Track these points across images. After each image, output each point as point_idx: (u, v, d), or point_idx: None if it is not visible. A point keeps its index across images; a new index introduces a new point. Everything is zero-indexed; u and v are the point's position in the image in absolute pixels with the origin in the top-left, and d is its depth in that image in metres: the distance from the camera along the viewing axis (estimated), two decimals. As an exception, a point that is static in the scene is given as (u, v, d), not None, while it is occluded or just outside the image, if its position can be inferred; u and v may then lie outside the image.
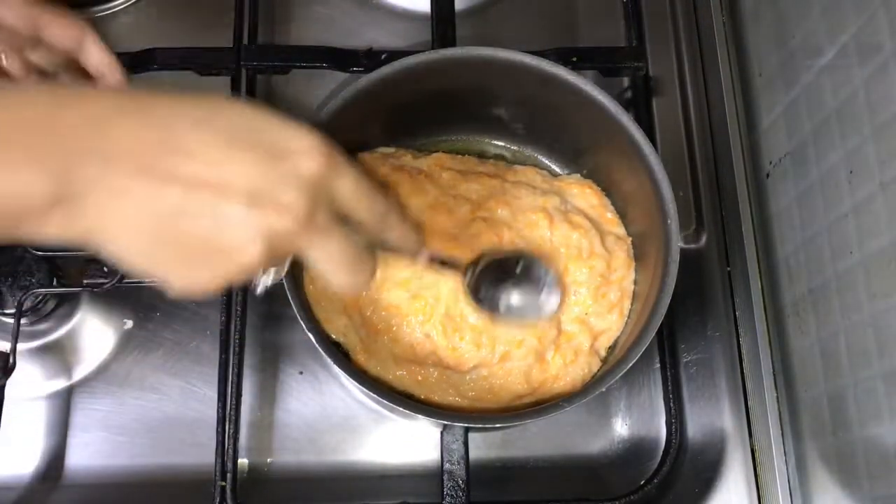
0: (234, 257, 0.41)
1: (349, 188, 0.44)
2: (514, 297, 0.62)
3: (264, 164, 0.41)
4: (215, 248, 0.41)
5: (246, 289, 0.69)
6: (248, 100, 0.42)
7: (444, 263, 0.58)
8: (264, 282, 0.48)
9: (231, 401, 0.66)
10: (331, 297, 0.63)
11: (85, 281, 0.67)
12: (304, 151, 0.42)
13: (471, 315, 0.62)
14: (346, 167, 0.44)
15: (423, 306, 0.62)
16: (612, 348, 0.66)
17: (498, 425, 0.67)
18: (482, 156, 0.72)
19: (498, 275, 0.61)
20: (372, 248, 0.47)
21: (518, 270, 0.62)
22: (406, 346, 0.62)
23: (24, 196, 0.38)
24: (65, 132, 0.39)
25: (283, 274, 0.49)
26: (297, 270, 0.62)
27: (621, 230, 0.68)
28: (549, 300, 0.62)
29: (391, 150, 0.68)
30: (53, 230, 0.40)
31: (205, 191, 0.39)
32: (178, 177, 0.39)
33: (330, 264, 0.44)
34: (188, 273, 0.42)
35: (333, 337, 0.63)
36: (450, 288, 0.62)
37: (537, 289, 0.62)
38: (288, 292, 0.57)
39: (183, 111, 0.41)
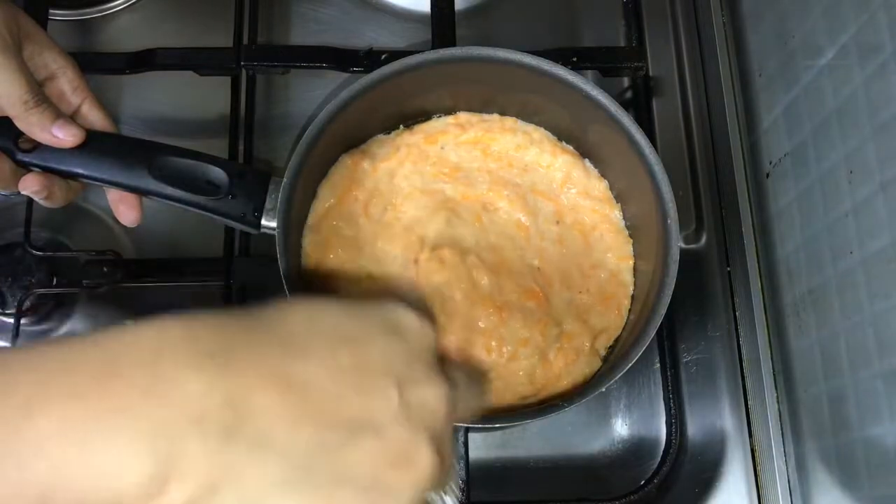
0: (411, 468, 0.35)
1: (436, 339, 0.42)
2: None
3: (392, 348, 0.37)
4: (389, 465, 0.35)
5: (245, 290, 0.69)
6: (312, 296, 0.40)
7: None
8: (453, 497, 0.42)
9: (231, 401, 0.66)
10: None
11: (85, 281, 0.67)
12: (415, 325, 0.40)
13: (479, 320, 0.62)
14: (429, 324, 0.42)
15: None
16: (611, 348, 0.66)
17: (498, 425, 0.67)
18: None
19: None
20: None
21: None
22: None
23: (114, 477, 0.30)
24: (154, 388, 0.31)
25: (459, 493, 0.43)
26: (299, 270, 0.62)
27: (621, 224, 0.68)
28: None
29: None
30: None
31: (352, 405, 0.34)
32: (320, 409, 0.33)
33: (470, 404, 0.44)
34: None
35: None
36: (463, 299, 0.62)
37: None
38: (287, 291, 0.57)
39: (287, 343, 0.35)
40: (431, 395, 0.37)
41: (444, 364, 0.41)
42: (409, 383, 0.36)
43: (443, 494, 0.40)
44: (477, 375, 0.45)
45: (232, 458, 0.31)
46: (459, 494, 0.42)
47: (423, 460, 0.35)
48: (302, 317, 0.37)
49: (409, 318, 0.40)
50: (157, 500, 0.30)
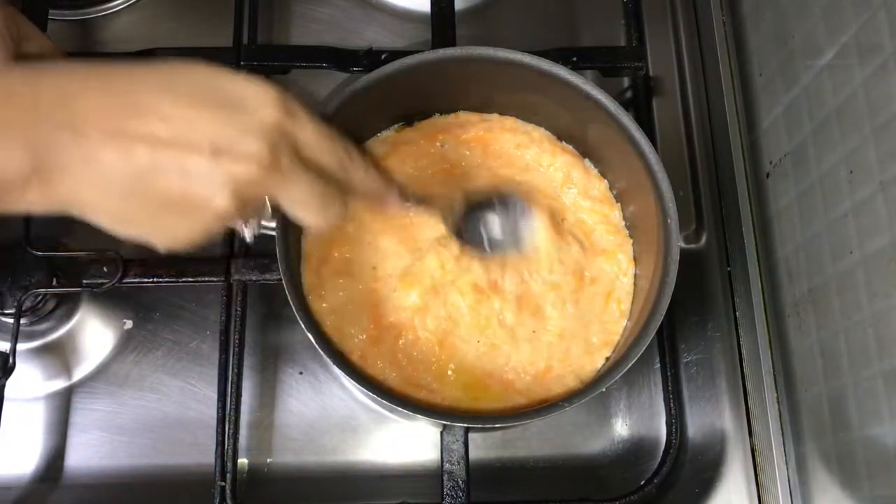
0: (206, 207, 0.43)
1: (309, 134, 0.46)
2: (495, 232, 0.64)
3: (225, 118, 0.43)
4: (187, 201, 0.43)
5: (245, 289, 0.69)
6: (207, 62, 0.46)
7: (419, 204, 0.60)
8: (251, 230, 0.51)
9: (231, 401, 0.66)
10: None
11: (85, 281, 0.67)
12: (263, 103, 0.44)
13: (480, 321, 0.63)
14: (304, 115, 0.46)
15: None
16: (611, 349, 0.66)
17: (498, 425, 0.67)
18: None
19: (477, 213, 0.64)
20: (340, 191, 0.50)
21: (495, 206, 0.65)
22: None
23: (1, 170, 0.41)
24: (36, 108, 0.41)
25: (268, 220, 0.52)
26: (299, 268, 0.62)
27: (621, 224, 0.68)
28: (529, 231, 0.64)
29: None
30: (32, 200, 0.42)
31: (170, 148, 0.42)
32: (143, 137, 0.42)
33: (299, 205, 0.47)
34: (167, 228, 0.45)
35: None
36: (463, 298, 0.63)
37: (516, 222, 0.65)
38: (288, 293, 0.57)
39: (142, 78, 0.44)
40: (241, 165, 0.43)
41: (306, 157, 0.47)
42: (225, 151, 0.43)
43: (244, 226, 0.51)
44: (328, 192, 0.48)
45: (68, 161, 0.41)
46: (257, 230, 0.52)
47: (217, 204, 0.43)
48: (174, 72, 0.44)
49: (258, 98, 0.44)
50: (28, 187, 0.41)
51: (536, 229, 0.64)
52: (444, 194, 0.65)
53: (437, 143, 0.68)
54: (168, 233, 0.45)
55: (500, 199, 0.65)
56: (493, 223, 0.64)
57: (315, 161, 0.47)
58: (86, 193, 0.43)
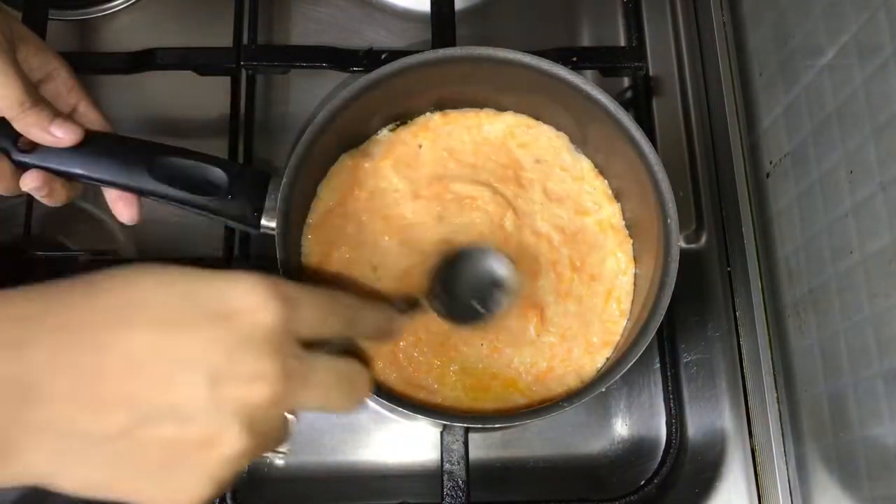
0: (216, 448, 0.36)
1: (309, 311, 0.40)
2: (473, 301, 0.60)
3: (212, 337, 0.36)
4: (190, 447, 0.36)
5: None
6: (161, 264, 0.38)
7: (413, 307, 0.57)
8: (280, 457, 0.43)
9: (231, 401, 0.66)
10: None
11: (85, 281, 0.67)
12: (254, 304, 0.37)
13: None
14: (296, 292, 0.39)
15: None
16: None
17: (498, 425, 0.67)
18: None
19: (450, 285, 0.60)
20: (360, 359, 0.43)
21: (464, 272, 0.60)
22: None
23: None
24: None
25: (291, 438, 0.42)
26: (299, 269, 0.62)
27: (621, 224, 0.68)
28: (502, 295, 0.60)
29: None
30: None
31: (154, 391, 0.35)
32: (117, 395, 0.35)
33: (323, 399, 0.40)
34: (169, 486, 0.37)
35: None
36: None
37: (489, 283, 0.60)
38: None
39: (101, 315, 0.36)
40: (248, 390, 0.36)
41: (315, 347, 0.40)
42: (224, 377, 0.36)
43: (270, 455, 0.41)
44: (349, 374, 0.42)
45: (20, 433, 0.34)
46: (287, 453, 0.42)
47: (228, 444, 0.36)
48: (130, 292, 0.37)
49: (245, 300, 0.37)
50: None
51: (511, 274, 0.60)
52: (412, 281, 0.60)
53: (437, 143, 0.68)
54: (172, 491, 0.37)
55: (463, 261, 0.60)
56: (477, 286, 0.59)
57: (323, 336, 0.41)
58: (54, 464, 0.35)
